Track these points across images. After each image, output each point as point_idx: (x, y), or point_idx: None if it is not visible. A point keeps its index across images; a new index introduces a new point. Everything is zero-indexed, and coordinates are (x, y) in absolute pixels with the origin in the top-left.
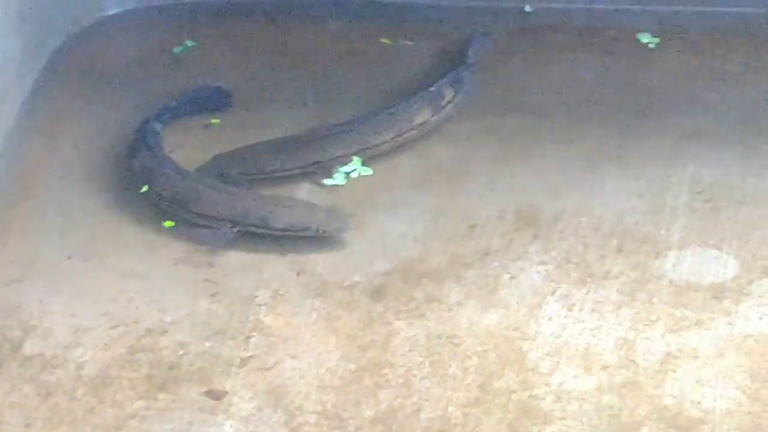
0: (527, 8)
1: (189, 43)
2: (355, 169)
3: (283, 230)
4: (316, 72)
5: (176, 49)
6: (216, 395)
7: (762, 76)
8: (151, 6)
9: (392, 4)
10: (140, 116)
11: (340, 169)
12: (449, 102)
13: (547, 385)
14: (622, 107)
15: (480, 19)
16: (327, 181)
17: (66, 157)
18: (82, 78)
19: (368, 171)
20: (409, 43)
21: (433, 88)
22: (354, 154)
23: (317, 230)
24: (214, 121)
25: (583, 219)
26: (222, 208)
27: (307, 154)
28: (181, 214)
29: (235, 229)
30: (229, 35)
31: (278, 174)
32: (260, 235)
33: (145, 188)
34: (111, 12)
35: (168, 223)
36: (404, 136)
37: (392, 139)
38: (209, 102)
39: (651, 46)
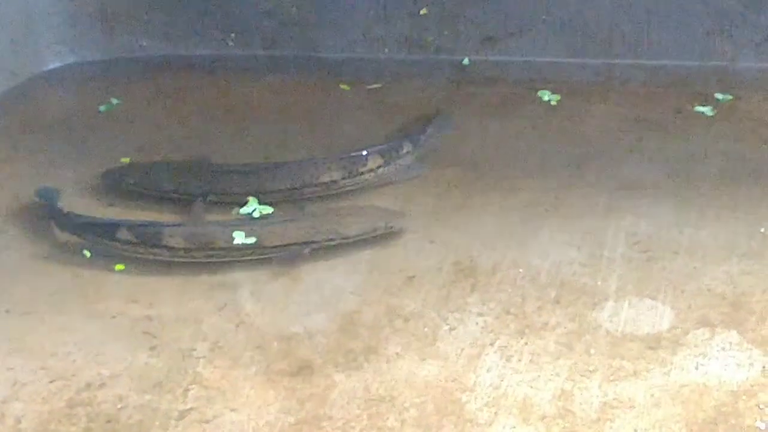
0: (465, 61)
1: (114, 101)
2: (255, 209)
3: (356, 236)
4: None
5: (101, 107)
6: None
7: (694, 128)
8: (93, 61)
9: (329, 59)
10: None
11: (241, 209)
12: (371, 170)
13: None
14: (559, 159)
15: (418, 71)
16: (242, 210)
17: (4, 210)
18: (19, 131)
19: (269, 209)
20: (375, 86)
21: (361, 153)
22: (247, 194)
23: (385, 227)
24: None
25: (520, 270)
26: (294, 233)
27: (202, 184)
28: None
29: (308, 250)
30: (164, 90)
31: (172, 194)
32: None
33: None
34: (51, 66)
35: (119, 267)
36: (306, 191)
37: (290, 190)
38: None
39: (553, 102)
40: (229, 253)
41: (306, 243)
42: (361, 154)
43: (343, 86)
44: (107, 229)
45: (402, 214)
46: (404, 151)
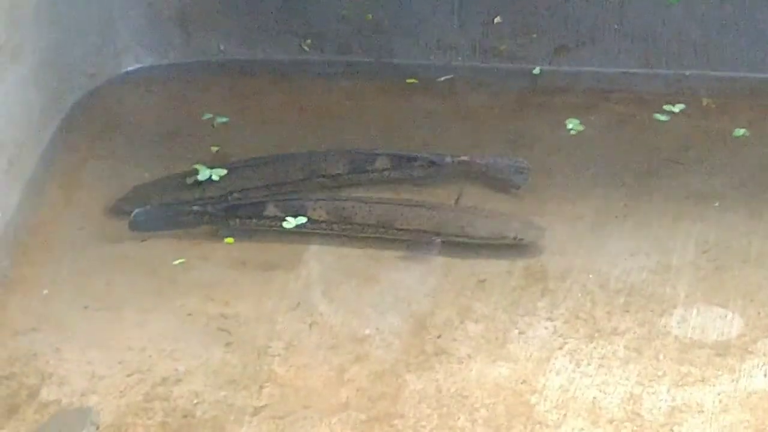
0: (536, 71)
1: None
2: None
3: (482, 239)
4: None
5: (179, 109)
6: None
7: (765, 139)
8: (171, 64)
9: (402, 66)
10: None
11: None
12: (377, 171)
13: None
14: (629, 168)
15: (490, 79)
16: (285, 224)
17: (83, 209)
18: (99, 132)
19: (302, 220)
20: (446, 77)
21: (370, 152)
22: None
23: (514, 238)
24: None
25: (590, 276)
26: (424, 221)
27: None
28: (381, 235)
29: (439, 240)
30: (240, 93)
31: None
32: (460, 244)
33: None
34: (129, 69)
35: (228, 240)
36: (314, 182)
37: (301, 181)
38: None
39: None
40: (365, 229)
41: (434, 233)
42: (370, 153)
43: (410, 80)
44: (255, 208)
45: (539, 230)
46: (417, 164)
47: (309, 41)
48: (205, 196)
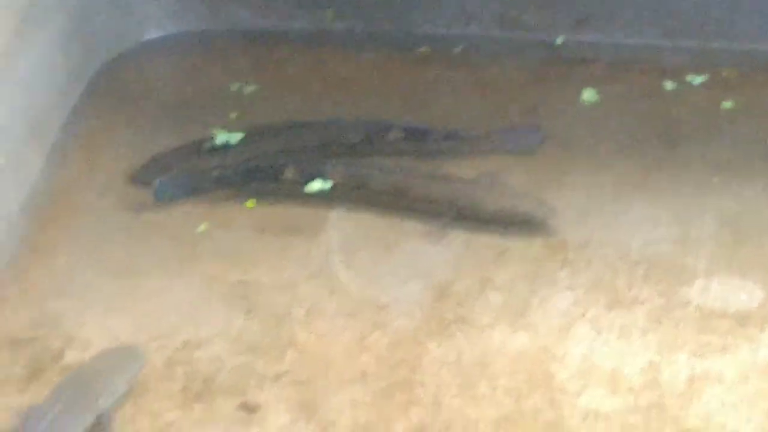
0: (558, 41)
1: (211, 71)
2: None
3: (492, 214)
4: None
5: (198, 77)
6: (250, 408)
7: None
8: (193, 32)
9: (424, 35)
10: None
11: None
12: (390, 142)
13: (574, 405)
14: (650, 138)
15: (511, 49)
16: (307, 188)
17: (105, 175)
18: (122, 99)
19: (327, 185)
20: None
21: (383, 122)
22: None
23: (523, 216)
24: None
25: (610, 246)
26: (437, 192)
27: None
28: (395, 203)
29: (450, 212)
30: (260, 62)
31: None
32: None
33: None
34: (151, 36)
35: (250, 203)
36: (330, 150)
37: (316, 147)
38: None
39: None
40: (380, 196)
41: (446, 205)
42: (385, 124)
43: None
44: (274, 172)
45: (550, 210)
46: (431, 137)
47: (332, 11)
48: (223, 163)
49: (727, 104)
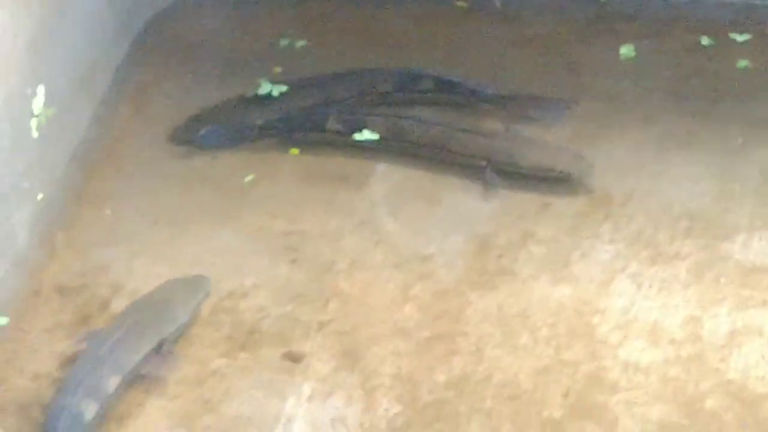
0: None
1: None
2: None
3: (530, 169)
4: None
5: (243, 32)
6: (294, 356)
7: None
8: None
9: None
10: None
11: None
12: (422, 91)
13: (614, 357)
14: (694, 95)
15: (556, 6)
16: (356, 136)
17: (152, 127)
18: (169, 51)
19: (375, 135)
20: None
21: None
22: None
23: (560, 172)
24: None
25: (653, 201)
26: (475, 146)
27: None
28: (436, 156)
29: (487, 166)
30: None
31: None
32: (510, 174)
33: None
34: None
35: (293, 151)
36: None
37: (351, 98)
38: None
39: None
40: (419, 149)
41: (485, 159)
42: (417, 74)
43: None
44: (317, 121)
45: (588, 166)
46: (459, 89)
47: None
48: (263, 114)
49: None
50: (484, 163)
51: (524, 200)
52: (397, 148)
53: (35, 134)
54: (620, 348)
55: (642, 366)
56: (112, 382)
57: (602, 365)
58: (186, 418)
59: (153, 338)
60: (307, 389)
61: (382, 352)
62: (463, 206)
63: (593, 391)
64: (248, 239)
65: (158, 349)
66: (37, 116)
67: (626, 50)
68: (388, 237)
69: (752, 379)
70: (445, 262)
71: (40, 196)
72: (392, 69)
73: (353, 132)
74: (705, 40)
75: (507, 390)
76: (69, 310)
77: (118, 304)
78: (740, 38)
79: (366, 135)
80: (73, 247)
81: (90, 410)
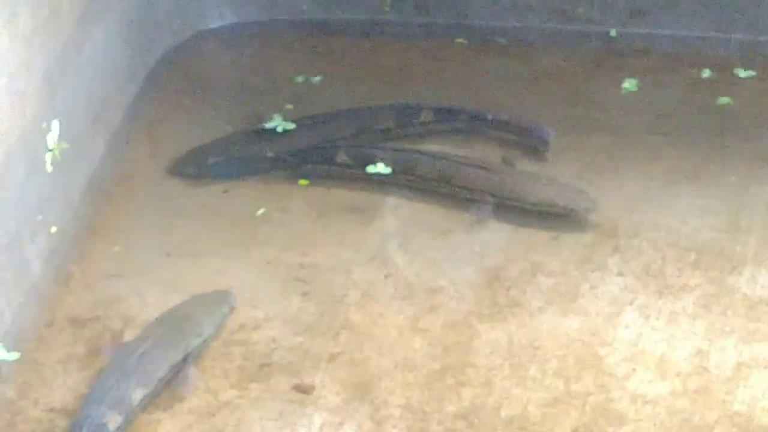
0: (612, 33)
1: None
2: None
3: (533, 204)
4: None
5: (259, 66)
6: (305, 388)
7: None
8: (254, 22)
9: (480, 27)
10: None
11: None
12: (422, 123)
13: (622, 388)
14: (700, 129)
15: (566, 41)
16: (369, 169)
17: (165, 161)
18: (182, 87)
19: (387, 169)
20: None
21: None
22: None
23: (563, 208)
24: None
25: (661, 234)
26: (481, 181)
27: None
28: (442, 189)
29: (493, 201)
30: (319, 51)
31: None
32: (516, 208)
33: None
34: (212, 26)
35: (303, 182)
36: (365, 136)
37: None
38: None
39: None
40: (426, 182)
41: (489, 193)
42: (415, 107)
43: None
44: (326, 154)
45: (591, 204)
46: (460, 117)
47: (388, 1)
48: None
49: None
50: (487, 197)
51: (533, 233)
52: (405, 181)
53: (49, 168)
54: (628, 380)
55: (650, 398)
56: (137, 395)
57: (610, 397)
58: None
59: (178, 352)
60: (317, 420)
61: (392, 383)
62: (473, 239)
63: (602, 423)
64: (260, 271)
65: (183, 363)
66: (51, 150)
67: (629, 84)
68: (399, 269)
69: (758, 411)
70: (455, 295)
71: (53, 229)
72: (392, 104)
73: (362, 165)
74: (706, 73)
75: (516, 422)
76: (82, 341)
77: (131, 336)
78: (743, 74)
79: (379, 168)
80: (86, 279)
81: (114, 422)
